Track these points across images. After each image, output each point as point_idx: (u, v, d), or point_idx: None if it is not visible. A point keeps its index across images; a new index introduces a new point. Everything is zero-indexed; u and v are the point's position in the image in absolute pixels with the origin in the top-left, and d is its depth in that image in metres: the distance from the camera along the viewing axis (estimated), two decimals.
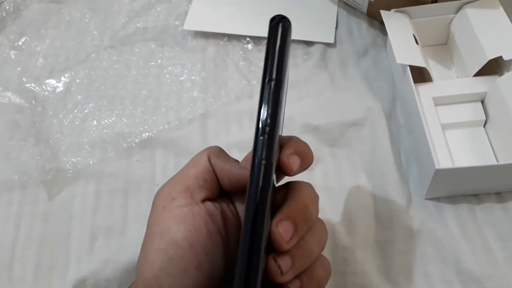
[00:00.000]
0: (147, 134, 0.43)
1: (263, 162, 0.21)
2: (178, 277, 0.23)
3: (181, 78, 0.47)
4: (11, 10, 0.54)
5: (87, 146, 0.43)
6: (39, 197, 0.40)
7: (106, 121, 0.44)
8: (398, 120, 0.42)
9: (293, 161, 0.23)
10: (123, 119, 0.44)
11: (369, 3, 0.47)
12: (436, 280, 0.33)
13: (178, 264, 0.23)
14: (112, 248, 0.37)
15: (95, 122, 0.44)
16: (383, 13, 0.42)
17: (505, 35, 0.38)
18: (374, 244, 0.35)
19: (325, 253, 0.25)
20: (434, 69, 0.43)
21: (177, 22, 0.51)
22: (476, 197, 0.37)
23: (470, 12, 0.41)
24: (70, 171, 0.41)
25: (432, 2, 0.42)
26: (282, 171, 0.24)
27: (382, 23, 0.43)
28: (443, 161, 0.35)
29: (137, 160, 0.42)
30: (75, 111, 0.45)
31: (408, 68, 0.38)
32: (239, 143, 0.41)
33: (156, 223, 0.24)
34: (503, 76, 0.37)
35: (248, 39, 0.49)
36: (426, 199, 0.37)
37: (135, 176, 0.41)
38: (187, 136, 0.43)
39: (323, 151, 0.40)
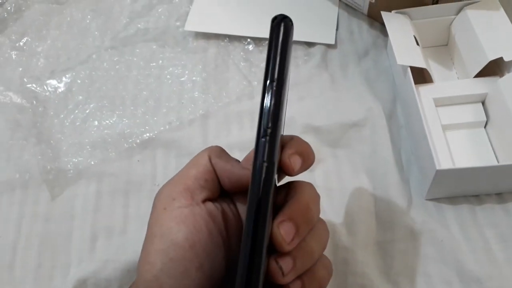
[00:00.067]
0: (148, 134, 0.43)
1: (265, 164, 0.21)
2: (179, 278, 0.23)
3: (182, 79, 0.47)
4: (12, 10, 0.54)
5: (88, 147, 0.43)
6: (40, 197, 0.40)
7: (107, 121, 0.44)
8: (399, 121, 0.42)
9: (295, 161, 0.23)
10: (124, 119, 0.44)
11: (370, 4, 0.47)
12: (436, 281, 0.33)
13: (179, 265, 0.23)
14: (113, 248, 0.37)
15: (96, 123, 0.44)
16: (384, 14, 0.42)
17: (505, 36, 0.39)
18: (375, 245, 0.35)
19: (326, 253, 0.25)
20: (434, 70, 0.43)
21: (178, 23, 0.51)
22: (476, 197, 0.37)
23: (470, 13, 0.41)
24: (71, 171, 0.41)
25: (432, 3, 0.42)
26: (283, 171, 0.24)
27: (382, 24, 0.43)
28: (443, 162, 0.35)
29: (138, 161, 0.42)
30: (76, 111, 0.45)
31: (409, 69, 0.38)
32: (240, 143, 0.41)
33: (157, 224, 0.24)
34: (503, 77, 0.37)
35: (249, 40, 0.49)
36: (426, 199, 0.37)
37: (136, 177, 0.41)
38: (188, 137, 0.43)
39: (323, 152, 0.40)
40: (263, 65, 0.21)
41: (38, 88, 0.47)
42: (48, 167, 0.41)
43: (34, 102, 0.46)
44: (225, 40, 0.49)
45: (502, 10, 0.40)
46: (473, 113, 0.39)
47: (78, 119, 0.45)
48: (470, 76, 0.39)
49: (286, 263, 0.22)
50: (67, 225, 0.39)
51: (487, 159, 0.37)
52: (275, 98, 0.21)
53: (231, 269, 0.25)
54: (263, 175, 0.21)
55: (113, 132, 0.43)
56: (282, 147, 0.24)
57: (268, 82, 0.21)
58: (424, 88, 0.39)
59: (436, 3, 0.42)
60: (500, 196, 0.37)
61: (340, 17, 0.50)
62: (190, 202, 0.24)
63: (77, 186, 0.41)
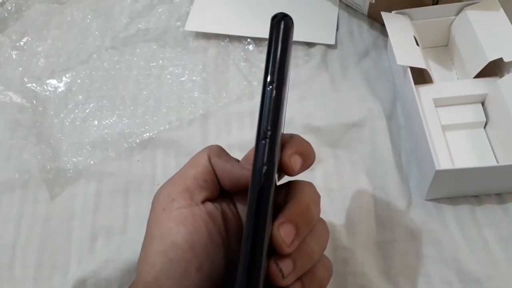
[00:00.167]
0: (148, 134, 0.43)
1: (265, 167, 0.20)
2: (179, 279, 0.22)
3: (182, 79, 0.47)
4: (13, 10, 0.54)
5: (88, 146, 0.43)
6: (39, 196, 0.40)
7: (107, 121, 0.44)
8: (399, 121, 0.42)
9: (295, 162, 0.23)
10: (124, 119, 0.44)
11: (370, 4, 0.47)
12: (436, 281, 0.33)
13: (178, 266, 0.22)
14: (113, 248, 0.37)
15: (96, 122, 0.44)
16: (384, 14, 0.42)
17: (505, 37, 0.39)
18: (375, 245, 0.35)
19: (326, 253, 0.25)
20: (434, 70, 0.44)
21: (178, 23, 0.51)
22: (476, 198, 0.37)
23: (470, 14, 0.41)
24: (71, 171, 0.41)
25: (432, 4, 0.42)
26: (283, 171, 0.23)
27: (382, 25, 0.43)
28: (443, 162, 0.35)
29: (138, 160, 0.42)
30: (76, 111, 0.45)
31: (409, 70, 0.38)
32: (240, 143, 0.41)
33: (156, 225, 0.24)
34: (503, 78, 0.37)
35: (249, 40, 0.49)
36: (426, 200, 0.37)
37: (136, 176, 0.41)
38: (188, 137, 0.43)
39: (323, 152, 0.40)
40: (263, 65, 0.21)
41: (38, 88, 0.47)
42: (48, 166, 0.41)
43: (34, 101, 0.46)
44: (225, 40, 0.49)
45: (502, 10, 0.40)
46: (473, 113, 0.39)
47: (78, 119, 0.45)
48: (470, 77, 0.39)
49: (286, 265, 0.22)
50: (67, 224, 0.39)
51: (486, 160, 0.37)
52: (275, 99, 0.21)
53: (230, 269, 0.25)
54: (263, 178, 0.20)
55: (113, 132, 0.43)
56: (282, 146, 0.23)
57: (268, 82, 0.21)
58: (424, 89, 0.39)
59: (436, 3, 0.42)
60: (499, 196, 0.37)
61: (340, 18, 0.50)
62: (190, 203, 0.24)
63: (77, 185, 0.41)
